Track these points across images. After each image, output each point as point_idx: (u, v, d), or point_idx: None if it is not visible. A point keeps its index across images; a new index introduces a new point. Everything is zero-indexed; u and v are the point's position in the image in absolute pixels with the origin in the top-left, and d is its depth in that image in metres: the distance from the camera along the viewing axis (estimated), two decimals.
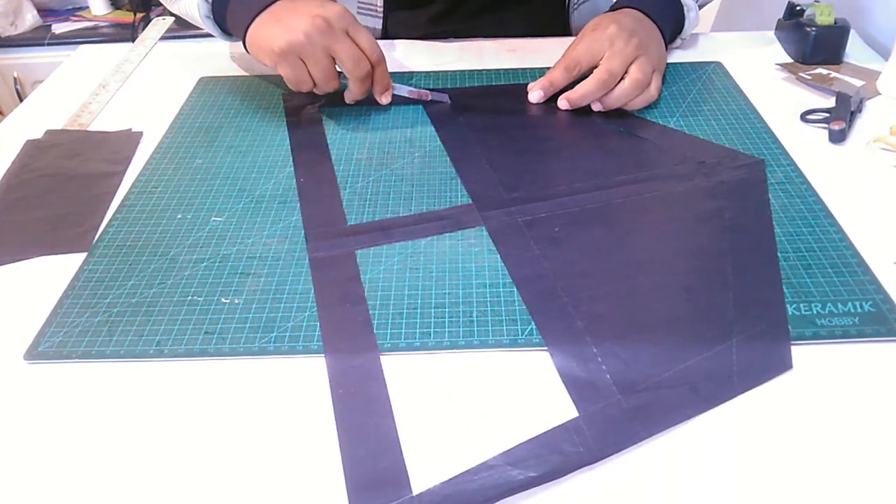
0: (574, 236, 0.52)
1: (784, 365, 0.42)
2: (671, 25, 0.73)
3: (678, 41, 0.78)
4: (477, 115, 0.68)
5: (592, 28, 0.67)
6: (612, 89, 0.64)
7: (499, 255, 0.50)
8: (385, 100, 0.68)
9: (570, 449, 0.37)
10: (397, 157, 0.62)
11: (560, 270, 0.48)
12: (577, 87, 0.65)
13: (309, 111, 0.69)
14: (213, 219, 0.56)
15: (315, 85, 0.64)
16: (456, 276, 0.49)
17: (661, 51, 0.69)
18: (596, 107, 0.65)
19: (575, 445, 0.37)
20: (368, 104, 0.70)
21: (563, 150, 0.62)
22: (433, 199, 0.56)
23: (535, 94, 0.68)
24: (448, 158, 0.62)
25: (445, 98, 0.70)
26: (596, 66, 0.65)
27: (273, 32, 0.62)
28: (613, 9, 0.72)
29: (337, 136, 0.66)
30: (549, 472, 0.36)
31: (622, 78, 0.64)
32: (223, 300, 0.48)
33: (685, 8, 0.74)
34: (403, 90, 0.69)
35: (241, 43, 0.68)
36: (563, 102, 0.66)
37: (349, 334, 0.44)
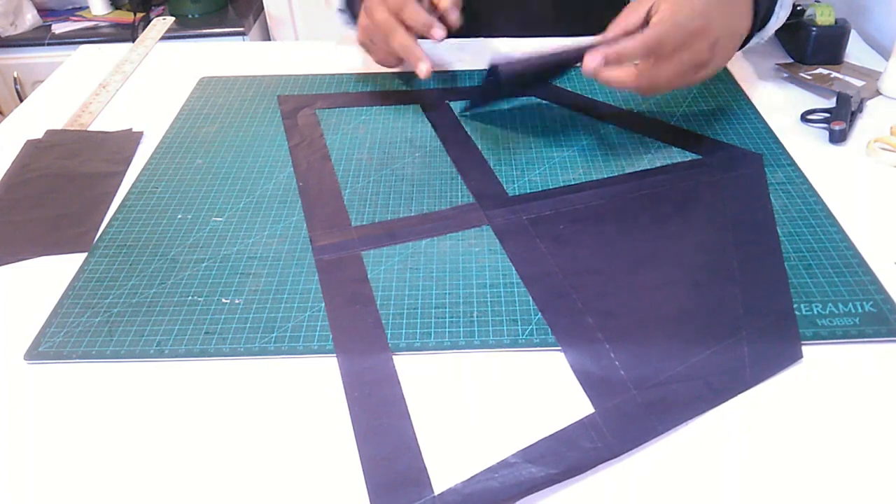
0: (579, 234, 0.52)
1: (794, 356, 0.42)
2: (762, 13, 0.64)
3: (754, 40, 0.66)
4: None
5: (676, 2, 0.55)
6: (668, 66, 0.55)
7: (503, 255, 0.50)
8: (421, 70, 0.64)
9: (588, 445, 0.37)
10: (398, 157, 0.62)
11: (567, 268, 0.49)
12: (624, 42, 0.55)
13: (305, 112, 0.69)
14: (213, 219, 0.56)
15: (399, 60, 0.70)
16: (456, 276, 0.49)
17: (735, 45, 0.60)
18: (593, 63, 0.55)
19: (593, 441, 0.37)
20: (367, 104, 0.70)
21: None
22: (435, 199, 0.56)
23: (595, 58, 0.55)
24: (448, 158, 0.62)
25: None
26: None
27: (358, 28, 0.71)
28: None
29: (336, 136, 0.66)
30: (569, 469, 0.36)
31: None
32: (223, 300, 0.48)
33: (778, 2, 0.65)
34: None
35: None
36: (595, 58, 0.55)
37: (360, 336, 0.44)
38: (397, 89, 0.73)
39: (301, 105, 0.70)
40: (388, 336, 0.44)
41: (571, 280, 0.47)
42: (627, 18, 0.58)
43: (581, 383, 0.41)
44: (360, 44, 0.72)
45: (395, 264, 0.50)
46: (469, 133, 0.65)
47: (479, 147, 0.63)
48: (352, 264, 0.50)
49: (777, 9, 0.66)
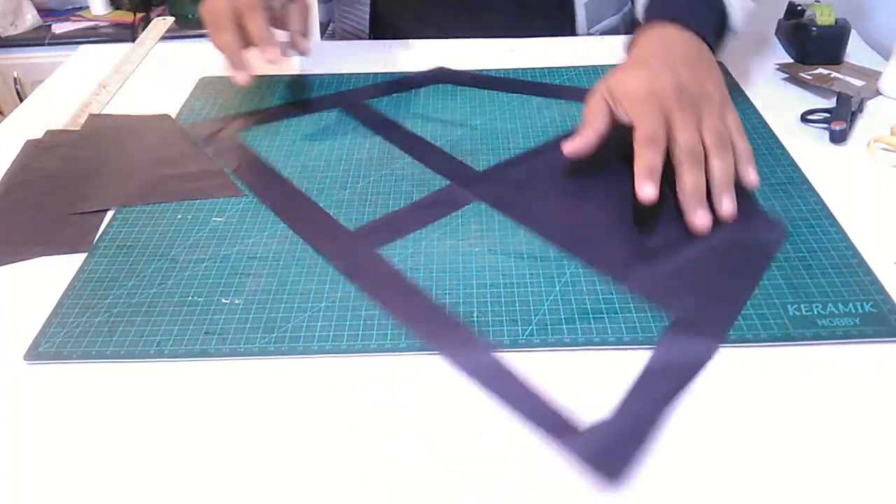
0: (572, 186, 0.56)
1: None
2: (712, 27, 0.61)
3: (730, 37, 0.65)
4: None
5: (624, 98, 0.53)
6: (711, 167, 0.51)
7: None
8: (237, 79, 0.63)
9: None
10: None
11: (581, 215, 0.52)
12: (680, 191, 0.50)
13: (225, 135, 0.65)
14: (213, 219, 0.56)
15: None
16: (456, 276, 0.49)
17: (714, 71, 0.56)
18: (728, 208, 0.50)
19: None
20: (287, 116, 0.69)
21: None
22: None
23: (648, 189, 0.49)
24: (400, 152, 0.62)
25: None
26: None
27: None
28: (642, 23, 0.61)
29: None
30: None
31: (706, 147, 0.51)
32: (223, 300, 0.48)
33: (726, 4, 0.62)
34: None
35: None
36: (701, 223, 0.50)
37: (439, 324, 0.45)
38: (312, 97, 0.72)
39: (214, 130, 0.67)
40: (388, 336, 0.44)
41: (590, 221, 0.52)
42: (595, 123, 0.54)
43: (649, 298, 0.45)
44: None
45: (394, 264, 0.50)
46: (404, 125, 0.66)
47: (422, 135, 0.64)
48: (375, 264, 0.50)
49: (727, 9, 0.63)
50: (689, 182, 0.50)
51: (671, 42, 0.57)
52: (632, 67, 0.55)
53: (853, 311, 0.45)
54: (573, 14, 0.86)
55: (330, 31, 0.95)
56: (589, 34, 0.86)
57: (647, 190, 0.49)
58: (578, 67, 0.75)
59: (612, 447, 0.37)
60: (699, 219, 0.50)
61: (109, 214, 0.57)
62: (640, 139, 0.51)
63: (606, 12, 0.88)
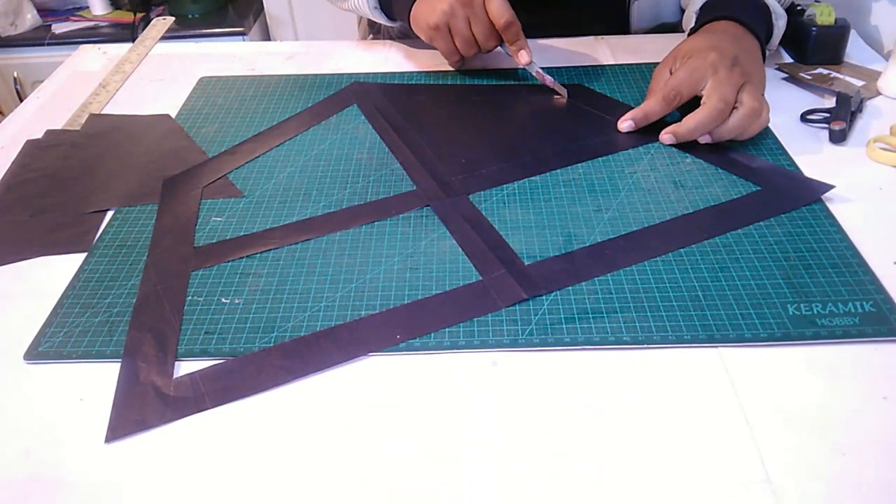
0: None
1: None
2: (765, 36, 0.68)
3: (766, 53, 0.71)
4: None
5: (687, 53, 0.62)
6: (726, 119, 0.59)
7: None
8: (523, 58, 0.68)
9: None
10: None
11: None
12: (687, 118, 0.60)
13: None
14: (213, 219, 0.55)
15: (461, 56, 0.71)
16: (456, 276, 0.49)
17: (763, 71, 0.63)
18: (704, 139, 0.60)
19: None
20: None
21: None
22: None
23: (626, 124, 0.63)
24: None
25: (564, 92, 0.70)
26: (696, 96, 0.60)
27: (426, 9, 0.69)
28: (703, 21, 0.68)
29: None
30: None
31: (734, 107, 0.59)
32: (223, 300, 0.48)
33: (773, 15, 0.69)
34: (534, 67, 0.70)
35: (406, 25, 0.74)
36: (667, 137, 0.61)
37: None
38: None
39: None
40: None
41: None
42: (655, 84, 0.64)
43: None
44: (433, 28, 0.69)
45: (395, 264, 0.50)
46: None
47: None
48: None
49: (775, 21, 0.69)
50: (695, 122, 0.59)
51: (734, 32, 0.65)
52: (700, 35, 0.65)
53: (853, 310, 0.45)
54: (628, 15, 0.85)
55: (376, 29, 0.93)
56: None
57: (624, 125, 0.63)
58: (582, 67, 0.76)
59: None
60: (668, 140, 0.61)
61: (109, 214, 0.57)
62: (664, 90, 0.61)
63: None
